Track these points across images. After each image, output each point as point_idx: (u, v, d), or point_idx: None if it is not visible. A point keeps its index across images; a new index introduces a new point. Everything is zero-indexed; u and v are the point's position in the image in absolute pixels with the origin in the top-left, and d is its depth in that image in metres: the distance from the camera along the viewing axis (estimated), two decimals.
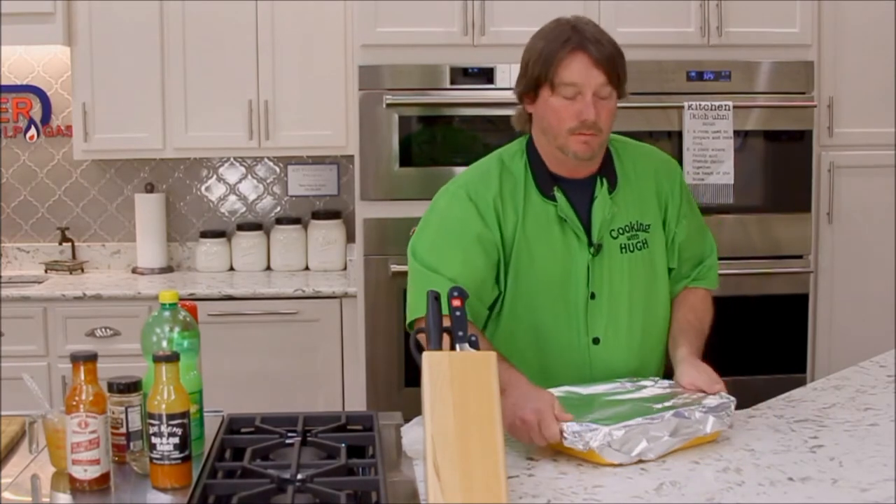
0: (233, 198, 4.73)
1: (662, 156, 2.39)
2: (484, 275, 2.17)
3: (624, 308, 2.24)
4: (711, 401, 1.99)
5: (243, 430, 2.03)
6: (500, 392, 1.78)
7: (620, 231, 2.23)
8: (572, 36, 2.09)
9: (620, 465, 1.86)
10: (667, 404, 1.98)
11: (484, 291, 2.19)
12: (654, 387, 2.10)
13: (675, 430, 1.91)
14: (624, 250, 2.23)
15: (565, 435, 1.87)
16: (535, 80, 2.13)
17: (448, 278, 2.10)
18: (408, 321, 2.21)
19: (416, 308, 2.14)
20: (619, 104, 3.87)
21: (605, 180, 2.22)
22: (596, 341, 2.23)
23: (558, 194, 2.20)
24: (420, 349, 1.85)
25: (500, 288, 2.21)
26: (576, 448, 1.86)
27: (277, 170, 4.72)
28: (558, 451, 1.92)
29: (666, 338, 2.32)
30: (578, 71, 2.09)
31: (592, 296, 2.22)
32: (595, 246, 2.20)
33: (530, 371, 2.05)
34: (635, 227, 2.25)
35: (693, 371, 2.11)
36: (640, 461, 1.87)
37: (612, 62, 2.11)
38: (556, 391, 2.06)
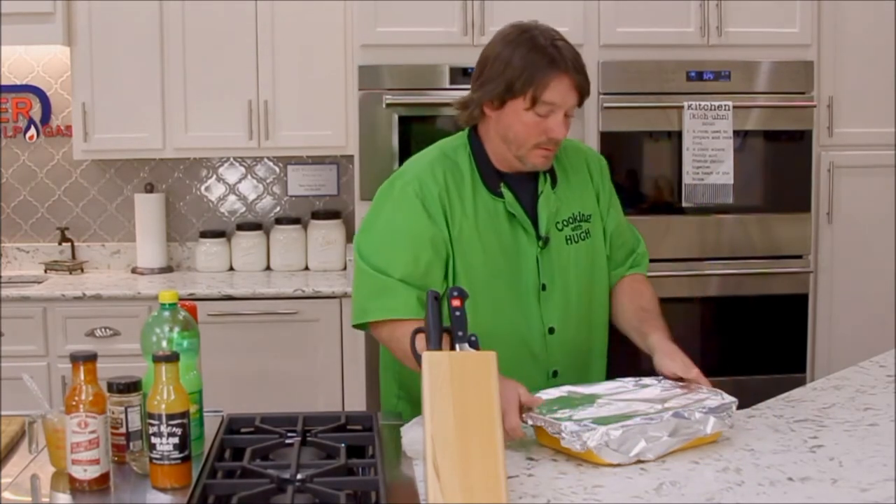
0: (232, 198, 4.73)
1: (591, 150, 2.52)
2: (433, 272, 2.18)
3: (573, 296, 2.30)
4: (712, 402, 1.99)
5: (243, 430, 2.03)
6: None
7: (565, 223, 2.30)
8: (557, 58, 2.12)
9: (619, 464, 1.86)
10: (668, 405, 1.98)
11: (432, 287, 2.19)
12: (656, 386, 2.10)
13: (675, 431, 1.91)
14: (569, 241, 2.30)
15: (563, 435, 1.87)
16: (509, 92, 2.14)
17: (397, 279, 2.14)
18: (354, 322, 2.24)
19: (365, 310, 2.19)
20: (620, 104, 3.90)
21: (547, 176, 2.28)
22: (551, 331, 2.28)
23: (505, 190, 2.24)
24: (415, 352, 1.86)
25: (448, 283, 2.22)
26: (573, 448, 1.86)
27: (277, 170, 4.72)
28: (558, 451, 1.92)
29: (607, 318, 2.40)
30: (561, 93, 2.13)
31: (543, 287, 2.27)
32: (543, 239, 2.25)
33: None
34: (578, 218, 2.32)
35: (667, 360, 2.14)
36: (639, 461, 1.87)
37: (586, 85, 2.17)
38: (558, 391, 2.06)
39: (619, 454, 1.86)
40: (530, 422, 1.94)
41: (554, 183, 2.29)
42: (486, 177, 2.24)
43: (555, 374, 2.28)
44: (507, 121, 2.17)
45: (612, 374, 2.31)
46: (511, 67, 2.13)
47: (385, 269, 2.16)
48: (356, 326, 2.26)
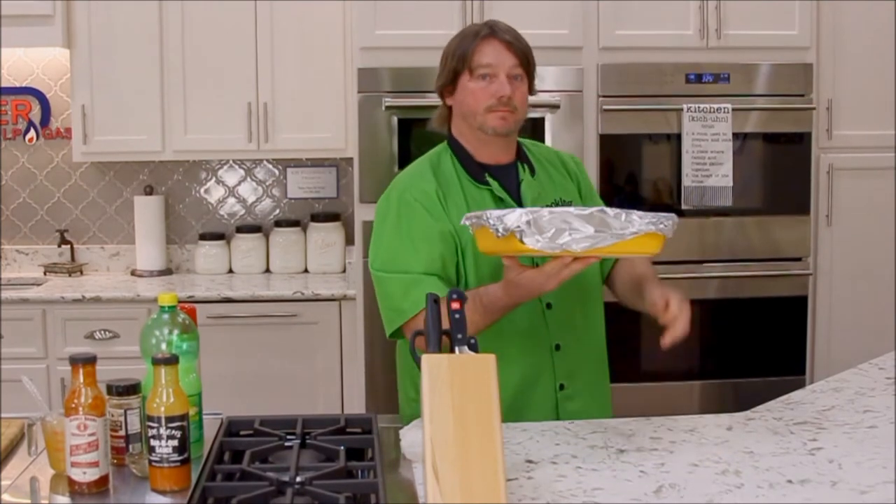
0: (232, 200, 4.73)
1: (565, 152, 2.61)
2: (448, 265, 2.27)
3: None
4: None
5: (242, 432, 2.03)
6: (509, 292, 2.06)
7: (548, 206, 2.33)
8: (483, 28, 2.32)
9: (542, 252, 1.87)
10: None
11: (451, 279, 2.28)
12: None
13: (600, 225, 1.87)
14: None
15: (489, 221, 1.90)
16: (453, 71, 2.31)
17: (420, 273, 2.20)
18: (391, 329, 2.27)
19: (400, 311, 2.22)
20: (621, 107, 3.90)
21: (525, 167, 2.40)
22: (549, 306, 2.34)
23: (490, 179, 2.34)
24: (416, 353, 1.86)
25: (461, 274, 2.29)
26: (497, 233, 1.88)
27: (276, 172, 4.72)
28: (557, 454, 1.93)
29: (599, 293, 2.48)
30: (492, 53, 2.28)
31: (536, 264, 2.29)
32: None
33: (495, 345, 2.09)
34: (560, 203, 2.39)
35: (657, 289, 2.20)
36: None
37: (522, 47, 2.32)
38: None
39: (543, 240, 1.86)
40: (468, 222, 2.02)
41: (532, 173, 2.40)
42: (470, 170, 2.35)
43: (557, 347, 2.35)
44: (460, 98, 2.32)
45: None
46: (450, 51, 2.33)
47: (405, 269, 2.22)
48: (392, 336, 2.30)
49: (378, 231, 2.32)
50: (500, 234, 1.88)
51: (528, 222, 1.85)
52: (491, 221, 1.90)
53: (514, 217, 1.87)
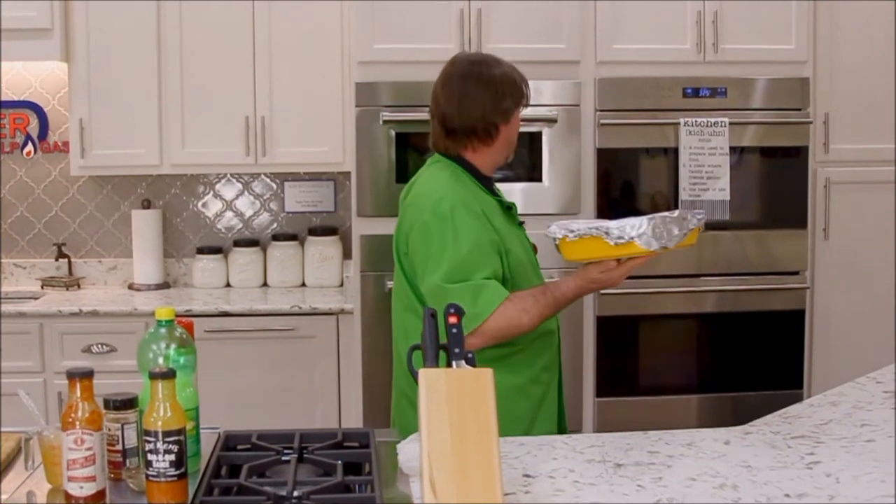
0: (229, 214, 4.73)
1: None
2: (498, 269, 2.40)
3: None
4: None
5: (239, 446, 2.03)
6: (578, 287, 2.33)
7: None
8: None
9: (653, 253, 2.18)
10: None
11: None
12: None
13: (680, 225, 2.20)
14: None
15: (612, 231, 2.17)
16: (517, 103, 2.48)
17: (482, 279, 2.32)
18: (468, 330, 2.35)
19: (475, 315, 2.29)
20: (619, 121, 3.93)
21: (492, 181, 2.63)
22: None
23: (496, 190, 2.58)
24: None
25: (509, 277, 2.43)
26: (619, 241, 2.16)
27: (274, 186, 4.72)
28: (555, 468, 1.93)
29: None
30: None
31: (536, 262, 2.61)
32: (522, 225, 2.61)
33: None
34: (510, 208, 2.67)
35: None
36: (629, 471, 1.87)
37: None
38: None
39: (655, 243, 2.17)
40: (570, 234, 2.23)
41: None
42: (484, 184, 2.52)
43: (558, 328, 2.59)
44: (514, 127, 2.51)
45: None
46: (514, 85, 2.47)
47: (468, 277, 2.33)
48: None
49: (439, 247, 2.35)
50: (621, 241, 2.17)
51: (651, 228, 2.16)
52: (613, 232, 2.18)
53: (638, 225, 2.17)
